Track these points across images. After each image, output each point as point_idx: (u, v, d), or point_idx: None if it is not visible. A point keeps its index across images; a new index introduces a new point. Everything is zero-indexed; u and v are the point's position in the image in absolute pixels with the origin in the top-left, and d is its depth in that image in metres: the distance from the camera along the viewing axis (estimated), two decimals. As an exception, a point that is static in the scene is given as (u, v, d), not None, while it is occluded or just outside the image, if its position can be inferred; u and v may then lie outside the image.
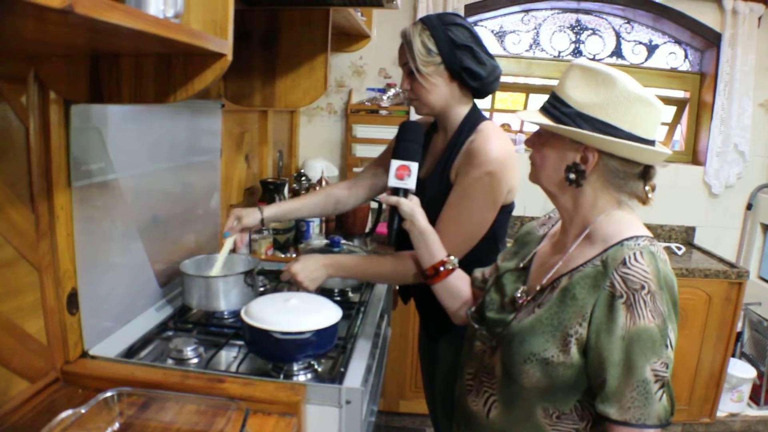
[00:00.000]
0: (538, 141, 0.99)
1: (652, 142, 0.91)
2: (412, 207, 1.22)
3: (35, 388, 1.06)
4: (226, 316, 1.51)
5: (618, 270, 0.86)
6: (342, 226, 2.64)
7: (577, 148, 0.92)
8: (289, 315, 1.20)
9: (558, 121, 0.92)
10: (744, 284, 2.54)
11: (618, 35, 3.05)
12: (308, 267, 1.38)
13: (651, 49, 3.06)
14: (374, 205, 1.80)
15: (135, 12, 0.66)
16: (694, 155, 3.11)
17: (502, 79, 1.43)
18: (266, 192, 2.25)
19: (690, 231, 3.06)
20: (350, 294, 1.77)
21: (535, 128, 1.00)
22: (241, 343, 1.34)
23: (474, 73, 1.30)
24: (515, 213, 1.50)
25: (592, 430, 0.92)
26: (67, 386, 1.12)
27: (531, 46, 3.07)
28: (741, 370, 2.69)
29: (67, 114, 1.10)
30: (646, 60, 3.07)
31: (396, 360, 2.53)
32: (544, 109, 0.96)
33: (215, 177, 1.89)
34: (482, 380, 1.03)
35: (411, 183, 1.22)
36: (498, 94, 3.18)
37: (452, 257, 1.24)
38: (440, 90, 1.33)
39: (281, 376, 1.21)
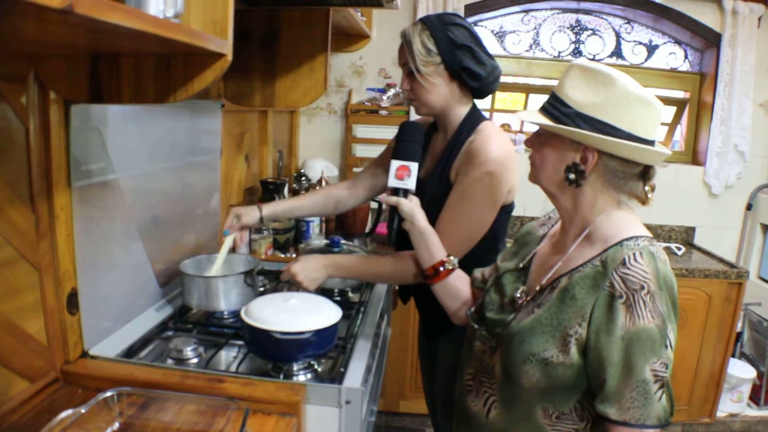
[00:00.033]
0: (538, 141, 0.99)
1: (651, 143, 0.91)
2: (412, 207, 1.22)
3: (35, 388, 1.06)
4: (226, 316, 1.51)
5: (617, 270, 0.86)
6: (342, 226, 2.64)
7: (577, 149, 0.93)
8: (289, 315, 1.20)
9: (558, 122, 0.92)
10: (744, 284, 2.55)
11: (618, 35, 3.05)
12: (308, 267, 1.38)
13: (651, 49, 3.06)
14: (374, 205, 1.79)
15: (135, 12, 0.66)
16: (694, 155, 3.11)
17: (502, 79, 1.43)
18: (266, 192, 2.25)
19: (690, 231, 3.07)
20: (350, 294, 1.77)
21: (535, 128, 1.00)
22: (240, 343, 1.34)
23: (474, 73, 1.30)
24: (515, 213, 1.50)
25: (592, 430, 0.92)
26: (67, 386, 1.12)
27: (531, 46, 3.07)
28: (741, 371, 2.69)
29: (67, 114, 1.10)
30: (646, 60, 3.07)
31: (396, 360, 2.53)
32: (544, 110, 0.96)
33: (215, 177, 1.89)
34: (482, 380, 1.03)
35: (411, 183, 1.22)
36: (498, 94, 3.18)
37: (452, 257, 1.24)
38: (440, 90, 1.33)
39: (281, 376, 1.21)
